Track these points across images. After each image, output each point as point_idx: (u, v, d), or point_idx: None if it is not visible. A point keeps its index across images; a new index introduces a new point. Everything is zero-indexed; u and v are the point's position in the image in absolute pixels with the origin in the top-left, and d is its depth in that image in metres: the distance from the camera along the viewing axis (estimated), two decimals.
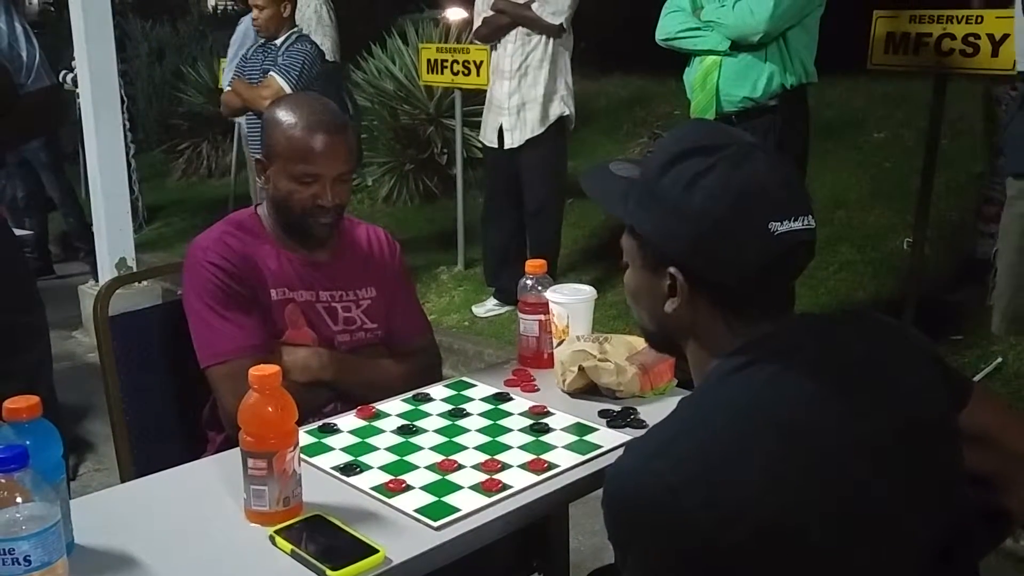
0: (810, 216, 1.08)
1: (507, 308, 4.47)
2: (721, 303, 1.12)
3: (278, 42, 4.18)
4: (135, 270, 4.19)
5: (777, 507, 0.99)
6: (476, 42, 4.59)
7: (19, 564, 0.93)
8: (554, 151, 4.32)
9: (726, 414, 1.05)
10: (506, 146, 4.31)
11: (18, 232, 2.90)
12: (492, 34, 4.31)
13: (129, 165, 4.76)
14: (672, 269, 1.11)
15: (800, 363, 1.08)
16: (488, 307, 4.59)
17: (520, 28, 4.19)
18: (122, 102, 4.42)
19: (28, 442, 1.01)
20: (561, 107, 4.25)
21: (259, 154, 1.86)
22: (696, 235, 1.08)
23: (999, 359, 3.52)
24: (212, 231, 1.83)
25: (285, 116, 1.77)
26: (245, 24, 5.05)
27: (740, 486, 0.99)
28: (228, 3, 13.34)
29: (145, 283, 4.29)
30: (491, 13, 4.28)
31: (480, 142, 4.66)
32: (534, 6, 4.13)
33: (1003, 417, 1.22)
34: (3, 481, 0.95)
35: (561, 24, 4.13)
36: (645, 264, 1.16)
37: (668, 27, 3.40)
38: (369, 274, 1.92)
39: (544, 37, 4.17)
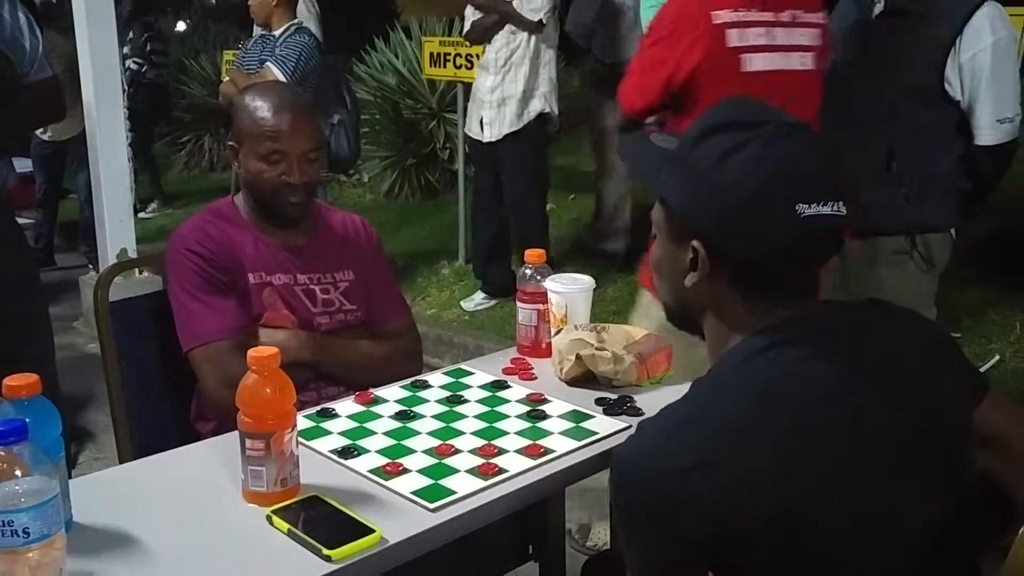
0: (840, 203, 1.07)
1: (495, 301, 4.50)
2: (741, 282, 1.11)
3: (277, 33, 4.20)
4: None
5: (787, 494, 0.99)
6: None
7: (18, 536, 0.93)
8: (532, 147, 4.33)
9: (742, 398, 1.04)
10: (485, 139, 4.34)
11: (23, 220, 2.92)
12: (480, 36, 4.34)
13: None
14: (695, 242, 1.11)
15: (821, 351, 1.07)
16: (476, 301, 4.61)
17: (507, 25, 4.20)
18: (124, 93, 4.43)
19: (27, 419, 1.01)
20: (542, 103, 4.25)
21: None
22: (721, 209, 1.07)
23: (996, 357, 3.52)
24: (192, 220, 1.89)
25: (250, 100, 1.85)
26: None
27: (752, 471, 0.98)
28: None
29: (145, 274, 4.29)
30: (479, 16, 4.31)
31: (466, 134, 4.69)
32: (515, 2, 4.14)
33: (1015, 420, 1.21)
34: (2, 454, 0.96)
35: (540, 20, 4.14)
36: (671, 235, 1.16)
37: None
38: (346, 257, 1.96)
39: (527, 33, 4.18)
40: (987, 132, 2.32)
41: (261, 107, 1.82)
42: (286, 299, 1.86)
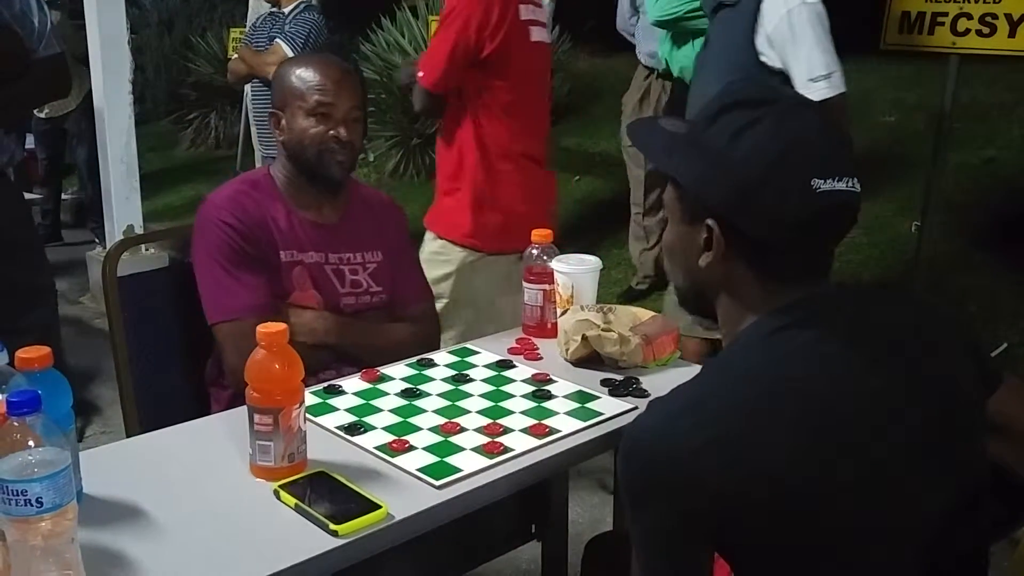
0: (855, 179, 1.07)
1: None
2: (757, 260, 1.10)
3: (286, 11, 4.19)
4: None
5: (794, 476, 0.99)
6: None
7: (31, 505, 0.94)
8: None
9: (754, 380, 1.04)
10: None
11: (28, 196, 2.93)
12: None
13: None
14: (710, 221, 1.10)
15: (836, 334, 1.07)
16: None
17: None
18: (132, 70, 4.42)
19: (40, 391, 1.02)
20: None
21: (268, 111, 1.92)
22: (736, 186, 1.06)
23: (1004, 344, 3.52)
24: (226, 188, 1.86)
25: (296, 64, 1.88)
26: None
27: (760, 452, 0.99)
28: None
29: (152, 251, 4.32)
30: None
31: None
32: None
33: None
34: (16, 425, 0.97)
35: None
36: (683, 217, 1.15)
37: (666, 8, 3.40)
38: (376, 238, 1.95)
39: None
40: (803, 93, 2.53)
41: (307, 68, 1.85)
42: (315, 278, 1.85)
